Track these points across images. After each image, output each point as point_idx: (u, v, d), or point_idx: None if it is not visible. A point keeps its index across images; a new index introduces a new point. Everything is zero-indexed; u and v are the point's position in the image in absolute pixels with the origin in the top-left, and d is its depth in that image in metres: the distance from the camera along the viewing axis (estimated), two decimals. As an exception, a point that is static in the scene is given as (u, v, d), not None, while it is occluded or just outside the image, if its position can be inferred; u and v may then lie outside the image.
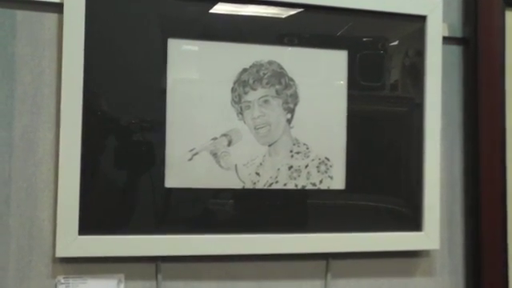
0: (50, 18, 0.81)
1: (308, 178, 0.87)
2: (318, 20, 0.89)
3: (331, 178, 0.88)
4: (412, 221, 0.92)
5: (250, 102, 0.85)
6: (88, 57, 0.78)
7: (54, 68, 0.80)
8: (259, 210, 0.85)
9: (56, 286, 0.79)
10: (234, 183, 0.84)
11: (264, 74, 0.85)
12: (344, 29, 0.90)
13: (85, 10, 0.78)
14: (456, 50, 0.99)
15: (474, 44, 0.95)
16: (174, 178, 0.82)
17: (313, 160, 0.87)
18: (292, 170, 0.86)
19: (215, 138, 0.83)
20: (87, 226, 0.78)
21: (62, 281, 0.80)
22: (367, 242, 0.89)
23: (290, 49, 0.87)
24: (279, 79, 0.86)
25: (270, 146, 0.86)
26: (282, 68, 0.86)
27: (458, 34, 0.98)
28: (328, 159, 0.88)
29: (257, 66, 0.85)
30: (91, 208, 0.78)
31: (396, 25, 0.92)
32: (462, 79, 0.99)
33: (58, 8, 0.80)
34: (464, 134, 0.99)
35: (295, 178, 0.86)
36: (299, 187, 0.87)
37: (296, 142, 0.87)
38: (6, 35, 0.79)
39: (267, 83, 0.85)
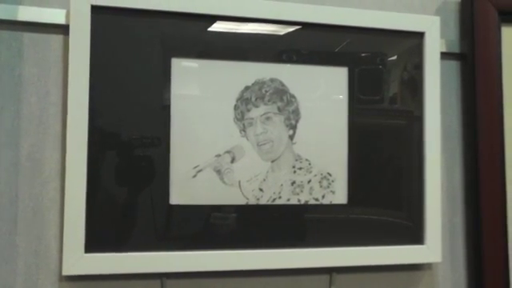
0: (56, 39, 0.82)
1: (311, 193, 0.88)
2: (316, 37, 0.90)
3: (333, 192, 0.89)
4: (414, 234, 0.92)
5: (252, 119, 0.86)
6: (93, 77, 0.80)
7: (59, 88, 0.82)
8: (263, 225, 0.86)
9: (63, 303, 0.80)
10: (238, 199, 0.85)
11: (266, 92, 0.87)
12: (342, 45, 0.91)
13: (90, 31, 0.79)
14: (454, 65, 1.00)
15: (471, 59, 0.96)
16: (178, 195, 0.83)
17: (315, 175, 0.88)
18: (295, 185, 0.88)
19: (219, 155, 0.85)
20: (93, 243, 0.78)
21: (69, 299, 0.80)
22: (370, 255, 0.89)
23: (291, 66, 0.89)
24: (281, 96, 0.87)
25: (272, 162, 0.87)
26: (283, 85, 0.88)
27: (456, 49, 0.99)
28: (330, 174, 0.89)
29: (259, 84, 0.87)
30: (97, 226, 0.79)
31: (394, 41, 0.94)
32: (461, 93, 1.01)
33: (64, 30, 0.81)
34: (463, 146, 1.00)
35: (298, 194, 0.88)
36: (302, 202, 0.88)
37: (298, 158, 0.88)
38: (13, 57, 0.81)
39: (269, 100, 0.87)
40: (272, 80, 0.87)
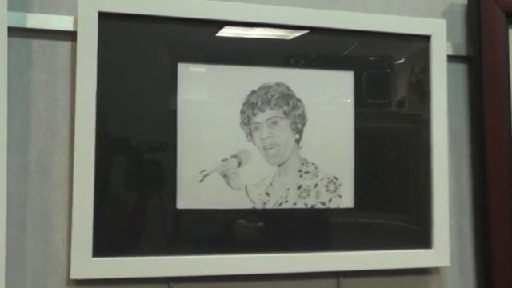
0: (64, 46, 0.83)
1: (317, 197, 0.88)
2: (323, 41, 0.90)
3: (340, 196, 0.89)
4: (421, 238, 0.92)
5: (258, 123, 0.86)
6: (101, 83, 0.80)
7: (67, 94, 0.83)
8: (269, 229, 0.86)
9: (71, 307, 0.81)
10: (245, 203, 0.85)
11: (272, 96, 0.87)
12: (349, 49, 0.92)
13: (97, 37, 0.80)
14: (461, 68, 1.00)
15: (478, 62, 0.96)
16: (185, 200, 0.83)
17: (322, 179, 0.88)
18: (301, 189, 0.88)
19: (225, 159, 0.85)
20: (101, 248, 0.79)
21: (77, 303, 0.81)
22: (377, 259, 0.89)
23: (297, 70, 0.89)
24: (287, 100, 0.88)
25: (279, 166, 0.87)
26: (289, 89, 0.88)
27: (462, 52, 0.99)
28: (336, 178, 0.89)
29: (265, 88, 0.87)
30: (105, 230, 0.80)
31: (401, 45, 0.94)
32: (468, 96, 1.00)
33: (72, 36, 0.82)
34: (471, 149, 0.99)
35: (305, 198, 0.88)
36: (309, 206, 0.88)
37: (305, 162, 0.88)
38: (22, 63, 0.82)
39: (275, 105, 0.87)
40: (278, 84, 0.88)
